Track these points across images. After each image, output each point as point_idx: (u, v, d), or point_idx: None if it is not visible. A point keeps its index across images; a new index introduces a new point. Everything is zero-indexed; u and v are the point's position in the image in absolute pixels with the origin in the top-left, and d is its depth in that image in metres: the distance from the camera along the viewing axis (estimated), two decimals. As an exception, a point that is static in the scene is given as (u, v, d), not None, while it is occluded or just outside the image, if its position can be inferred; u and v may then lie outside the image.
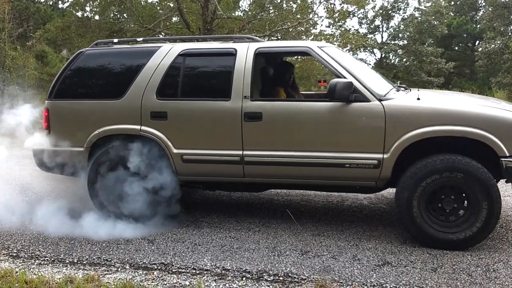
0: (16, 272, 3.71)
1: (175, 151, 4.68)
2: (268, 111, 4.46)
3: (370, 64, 32.13)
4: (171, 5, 20.19)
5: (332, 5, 19.32)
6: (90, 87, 5.11)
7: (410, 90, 4.98)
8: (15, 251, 4.23)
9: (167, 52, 4.86)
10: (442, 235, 4.06)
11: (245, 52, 4.65)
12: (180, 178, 4.77)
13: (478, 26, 33.48)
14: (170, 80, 4.79)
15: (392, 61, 35.46)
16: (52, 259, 4.05)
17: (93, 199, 4.93)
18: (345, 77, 4.29)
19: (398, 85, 5.09)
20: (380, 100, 4.20)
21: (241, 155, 4.53)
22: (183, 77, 4.77)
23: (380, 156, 4.18)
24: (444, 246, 4.07)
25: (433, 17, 31.67)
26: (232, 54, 4.67)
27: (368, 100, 4.21)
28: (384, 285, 3.39)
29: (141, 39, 5.43)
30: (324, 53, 4.54)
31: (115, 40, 5.29)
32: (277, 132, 4.46)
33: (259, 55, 4.70)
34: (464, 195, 4.06)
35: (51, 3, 32.59)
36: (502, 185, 4.47)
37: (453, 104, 4.24)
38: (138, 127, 4.75)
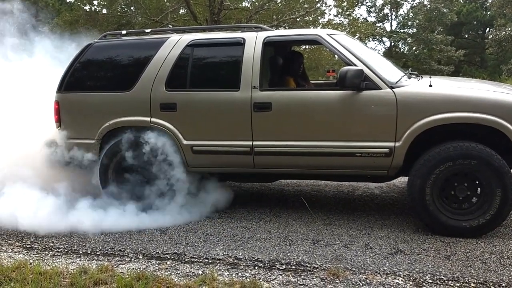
0: (30, 263, 3.74)
1: (185, 142, 4.68)
2: (278, 101, 4.43)
3: (379, 53, 31.88)
4: (178, -3, 20.15)
5: (340, -6, 19.18)
6: (100, 79, 5.11)
7: (422, 77, 4.92)
8: (29, 243, 4.27)
9: (175, 43, 4.83)
10: (455, 222, 4.03)
11: (253, 41, 4.61)
12: (190, 170, 4.78)
13: (488, 13, 33.03)
14: (179, 71, 4.76)
15: (402, 49, 35.18)
16: (66, 250, 4.08)
17: (104, 190, 4.95)
18: (355, 65, 4.24)
19: (410, 72, 5.03)
20: (391, 87, 4.15)
21: (251, 146, 4.52)
22: (192, 68, 4.74)
23: (391, 144, 4.14)
24: (457, 234, 4.04)
25: (443, 5, 31.30)
26: (241, 43, 4.64)
27: (379, 88, 4.16)
28: (397, 273, 3.38)
29: (149, 30, 5.40)
30: (334, 40, 4.49)
31: (124, 32, 5.28)
32: (287, 122, 4.42)
33: (267, 44, 4.66)
34: (477, 182, 4.01)
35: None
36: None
37: (466, 91, 4.18)
38: (148, 118, 4.75)
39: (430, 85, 4.15)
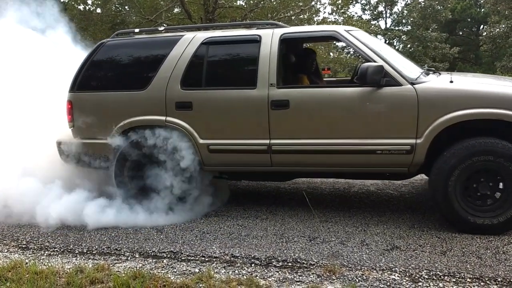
0: (26, 263, 3.73)
1: (201, 141, 4.63)
2: (296, 99, 4.38)
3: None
4: (173, -5, 20.11)
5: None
6: (113, 78, 5.02)
7: (440, 73, 4.85)
8: (25, 243, 4.26)
9: (189, 41, 4.77)
10: (463, 213, 3.97)
11: (269, 39, 4.55)
12: (207, 169, 4.74)
13: (482, 10, 33.18)
14: (194, 69, 4.70)
15: (396, 47, 35.24)
16: (62, 249, 4.07)
17: (120, 190, 4.90)
18: (375, 61, 4.18)
19: (427, 68, 4.97)
20: (412, 83, 4.09)
21: (268, 144, 4.47)
22: (207, 66, 4.69)
23: (413, 141, 4.09)
24: (459, 225, 4.03)
25: (437, 2, 31.39)
26: (257, 41, 4.58)
27: (399, 84, 4.10)
28: (393, 269, 3.38)
29: (162, 28, 5.34)
30: (352, 36, 4.43)
31: (136, 30, 5.24)
32: (305, 120, 4.36)
33: (284, 41, 4.60)
34: (502, 187, 3.94)
35: (52, -3, 32.45)
36: None
37: (489, 86, 4.15)
38: (163, 118, 4.70)
39: (451, 81, 4.10)
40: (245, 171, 4.84)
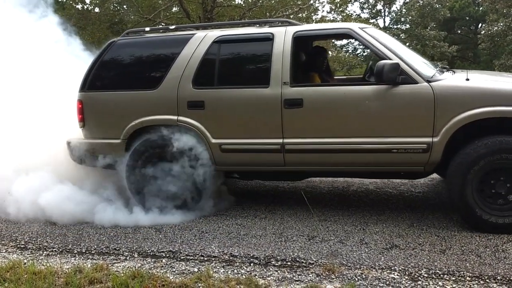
0: (25, 263, 3.71)
1: (213, 141, 4.60)
2: (309, 97, 4.34)
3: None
4: (171, -6, 20.08)
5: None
6: (124, 77, 4.99)
7: (454, 71, 4.80)
8: (23, 243, 4.25)
9: (201, 40, 4.74)
10: (473, 204, 3.95)
11: (282, 37, 4.52)
12: (219, 168, 4.72)
13: (481, 8, 33.16)
14: (206, 68, 4.67)
15: (395, 46, 35.22)
16: (60, 249, 4.06)
17: (132, 191, 4.87)
18: (390, 59, 4.14)
19: (441, 66, 4.94)
20: (428, 81, 4.06)
21: (281, 143, 4.44)
22: (219, 65, 4.66)
23: (429, 139, 4.05)
24: (463, 214, 4.03)
25: (435, 0, 31.37)
26: (269, 39, 4.54)
27: (415, 82, 4.07)
28: (392, 268, 3.38)
29: (173, 26, 5.31)
30: (366, 34, 4.39)
31: (147, 29, 5.23)
32: (319, 119, 4.33)
33: (297, 39, 4.55)
34: None
35: (50, -4, 32.38)
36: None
37: (505, 84, 4.12)
38: (175, 117, 4.67)
39: (467, 79, 4.06)
40: (258, 170, 4.82)
